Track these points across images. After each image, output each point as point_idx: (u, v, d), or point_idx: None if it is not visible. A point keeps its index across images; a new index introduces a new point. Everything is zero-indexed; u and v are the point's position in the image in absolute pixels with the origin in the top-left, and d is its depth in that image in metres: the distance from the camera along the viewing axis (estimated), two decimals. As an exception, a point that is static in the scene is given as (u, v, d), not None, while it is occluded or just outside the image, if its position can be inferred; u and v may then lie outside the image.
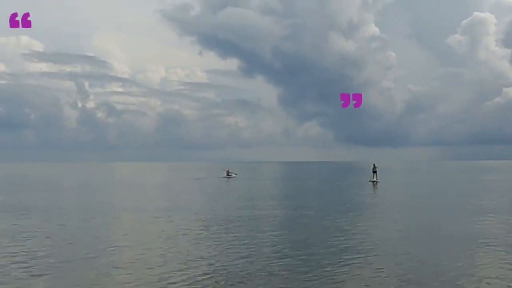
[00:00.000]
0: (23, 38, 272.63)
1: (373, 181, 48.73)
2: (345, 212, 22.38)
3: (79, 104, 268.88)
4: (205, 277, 10.57)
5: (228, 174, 61.47)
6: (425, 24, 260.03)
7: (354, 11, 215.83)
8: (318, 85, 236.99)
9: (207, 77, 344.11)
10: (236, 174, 62.52)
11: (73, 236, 16.03)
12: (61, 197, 32.90)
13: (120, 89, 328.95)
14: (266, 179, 61.11)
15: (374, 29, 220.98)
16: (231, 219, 19.81)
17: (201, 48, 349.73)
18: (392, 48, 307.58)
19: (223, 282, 10.17)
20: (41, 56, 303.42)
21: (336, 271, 11.14)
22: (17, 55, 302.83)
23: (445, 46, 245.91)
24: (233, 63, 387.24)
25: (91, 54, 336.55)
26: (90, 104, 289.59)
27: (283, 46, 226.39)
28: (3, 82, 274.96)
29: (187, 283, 10.09)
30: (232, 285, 10.03)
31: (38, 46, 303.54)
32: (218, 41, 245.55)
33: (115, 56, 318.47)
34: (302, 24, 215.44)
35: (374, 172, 49.80)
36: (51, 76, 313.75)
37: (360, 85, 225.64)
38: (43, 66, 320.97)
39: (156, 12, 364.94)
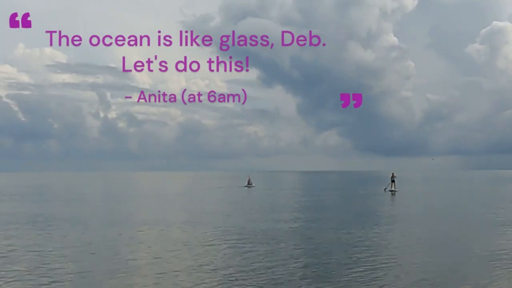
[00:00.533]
0: (47, 50, 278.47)
1: (391, 191, 48.63)
2: (364, 224, 22.47)
3: (101, 114, 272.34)
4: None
5: (249, 183, 62.46)
6: (444, 34, 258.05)
7: (373, 21, 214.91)
8: (337, 94, 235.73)
9: (227, 87, 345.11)
10: (254, 185, 63.20)
11: (97, 247, 16.43)
12: (87, 208, 33.62)
13: (141, 100, 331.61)
14: (286, 189, 61.28)
15: (393, 39, 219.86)
16: (253, 232, 20.11)
17: (217, 55, 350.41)
18: (411, 58, 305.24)
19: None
20: (64, 67, 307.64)
21: (352, 284, 11.36)
22: (41, 66, 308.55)
23: (464, 56, 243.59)
24: (252, 73, 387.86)
25: (113, 65, 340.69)
26: (112, 114, 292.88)
27: (302, 56, 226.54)
28: (27, 93, 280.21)
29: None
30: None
31: (62, 58, 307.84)
32: (237, 51, 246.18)
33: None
34: (320, 34, 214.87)
35: (393, 181, 49.69)
36: (73, 87, 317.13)
37: (379, 94, 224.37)
38: (66, 77, 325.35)
39: (177, 23, 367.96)
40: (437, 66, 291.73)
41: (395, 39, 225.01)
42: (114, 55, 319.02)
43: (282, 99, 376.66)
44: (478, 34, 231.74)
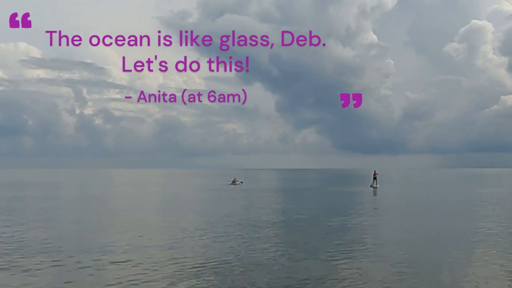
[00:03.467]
0: (21, 45, 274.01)
1: (373, 187, 50.25)
2: (349, 218, 23.18)
3: (77, 111, 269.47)
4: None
5: (234, 182, 63.11)
6: (423, 32, 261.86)
7: (352, 19, 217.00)
8: (316, 92, 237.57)
9: (205, 84, 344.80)
10: (241, 182, 63.86)
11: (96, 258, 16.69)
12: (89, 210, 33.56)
13: (118, 96, 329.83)
14: (269, 188, 61.85)
15: (372, 37, 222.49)
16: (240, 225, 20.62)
17: (198, 55, 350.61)
18: (390, 56, 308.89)
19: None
20: (39, 63, 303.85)
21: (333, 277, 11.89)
22: (15, 62, 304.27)
23: (443, 54, 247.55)
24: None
25: (89, 61, 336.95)
26: (88, 111, 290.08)
27: (280, 53, 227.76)
28: (1, 88, 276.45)
29: None
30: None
31: (36, 53, 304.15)
32: (215, 48, 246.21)
33: (112, 62, 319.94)
34: (299, 31, 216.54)
35: (375, 178, 51.26)
36: (49, 83, 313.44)
37: (358, 92, 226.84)
38: (41, 73, 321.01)
39: (154, 18, 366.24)
40: (416, 64, 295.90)
41: (375, 37, 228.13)
42: (90, 51, 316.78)
43: (261, 97, 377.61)
44: (457, 33, 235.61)
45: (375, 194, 41.98)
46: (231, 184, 62.00)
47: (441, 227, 20.41)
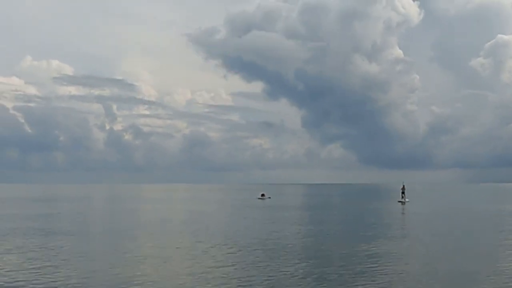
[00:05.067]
0: (54, 62, 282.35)
1: (402, 201, 50.51)
2: (377, 243, 23.57)
3: (107, 127, 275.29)
4: None
5: (262, 197, 64.92)
6: (448, 47, 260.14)
7: (378, 34, 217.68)
8: (342, 107, 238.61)
9: (232, 99, 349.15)
10: (269, 197, 65.36)
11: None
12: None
13: (147, 112, 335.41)
14: (298, 202, 62.58)
15: (398, 52, 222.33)
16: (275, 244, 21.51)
17: (226, 71, 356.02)
18: (416, 71, 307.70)
19: None
20: (71, 80, 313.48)
21: None
22: (48, 79, 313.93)
23: (469, 69, 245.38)
24: (257, 86, 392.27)
25: (119, 78, 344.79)
26: (118, 127, 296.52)
27: (307, 69, 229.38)
28: (34, 105, 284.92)
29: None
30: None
31: (68, 70, 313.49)
32: (243, 64, 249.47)
33: (142, 79, 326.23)
34: (326, 46, 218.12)
35: (403, 192, 51.64)
36: (80, 99, 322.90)
37: (384, 107, 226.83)
38: (73, 89, 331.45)
39: (182, 36, 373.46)
40: (442, 79, 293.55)
41: (400, 52, 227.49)
42: (120, 67, 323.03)
43: (287, 112, 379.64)
44: (482, 48, 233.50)
45: (403, 211, 42.38)
46: (260, 198, 63.69)
47: (476, 245, 21.10)
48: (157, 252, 17.90)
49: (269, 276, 13.32)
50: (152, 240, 21.51)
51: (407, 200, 51.19)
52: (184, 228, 27.48)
